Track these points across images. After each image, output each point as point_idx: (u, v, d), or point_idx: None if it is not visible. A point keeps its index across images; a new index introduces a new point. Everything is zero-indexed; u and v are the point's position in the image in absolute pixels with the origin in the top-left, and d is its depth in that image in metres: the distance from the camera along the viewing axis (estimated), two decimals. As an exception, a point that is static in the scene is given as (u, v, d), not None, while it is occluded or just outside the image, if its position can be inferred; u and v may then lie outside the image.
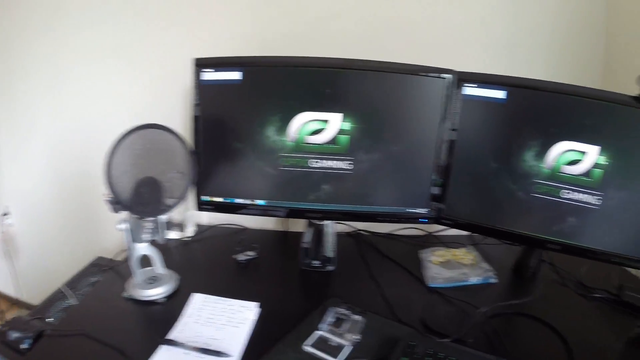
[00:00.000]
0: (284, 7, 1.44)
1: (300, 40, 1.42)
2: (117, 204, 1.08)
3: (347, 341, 0.99)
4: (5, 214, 1.99)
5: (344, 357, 0.96)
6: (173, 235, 1.44)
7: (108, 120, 1.62)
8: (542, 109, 1.18)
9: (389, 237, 1.53)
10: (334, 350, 0.97)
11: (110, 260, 1.39)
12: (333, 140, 1.19)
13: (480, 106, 1.21)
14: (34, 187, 1.90)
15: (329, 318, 1.06)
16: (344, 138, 1.19)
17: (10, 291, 2.15)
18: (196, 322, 1.09)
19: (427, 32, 1.48)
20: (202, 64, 1.18)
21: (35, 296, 2.11)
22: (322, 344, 0.99)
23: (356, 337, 1.01)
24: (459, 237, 1.51)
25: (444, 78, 1.17)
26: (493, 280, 1.32)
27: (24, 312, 2.04)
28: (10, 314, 2.11)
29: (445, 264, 1.36)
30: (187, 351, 0.98)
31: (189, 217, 1.45)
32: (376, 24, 1.45)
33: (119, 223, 1.11)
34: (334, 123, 1.18)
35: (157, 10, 1.49)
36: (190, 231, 1.46)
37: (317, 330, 1.03)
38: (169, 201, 1.12)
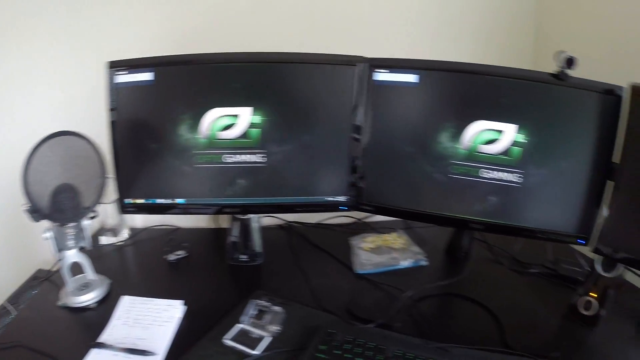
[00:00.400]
0: (195, 5, 1.44)
1: (214, 37, 1.42)
2: (36, 212, 1.09)
3: (267, 333, 0.99)
4: None
5: (262, 348, 0.96)
6: (106, 240, 1.44)
7: (30, 127, 1.59)
8: (455, 90, 1.18)
9: (320, 227, 1.55)
10: (254, 342, 0.97)
11: (49, 271, 1.39)
12: (245, 135, 1.20)
13: (393, 91, 1.21)
14: None
15: (251, 311, 1.06)
16: (255, 131, 1.19)
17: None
18: (124, 324, 1.10)
19: (351, 22, 1.49)
20: (115, 66, 1.18)
21: None
22: (242, 336, 0.99)
23: (277, 328, 1.01)
24: (393, 223, 1.50)
25: (354, 65, 1.18)
26: (424, 263, 1.33)
27: None
28: None
29: (376, 250, 1.36)
30: (115, 352, 0.99)
31: (122, 222, 1.45)
32: (297, 16, 1.47)
33: (44, 232, 1.11)
34: (244, 117, 1.18)
35: (70, 15, 1.47)
36: (123, 235, 1.47)
37: (239, 323, 1.03)
38: (86, 205, 1.13)
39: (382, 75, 1.20)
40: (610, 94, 1.05)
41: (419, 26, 1.54)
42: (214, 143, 1.20)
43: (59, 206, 1.09)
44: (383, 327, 1.01)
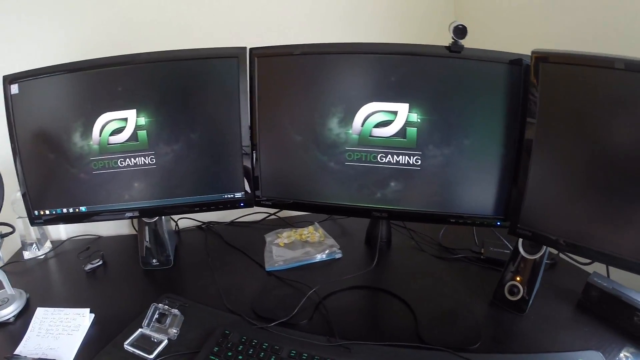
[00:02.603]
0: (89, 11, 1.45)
1: (113, 41, 1.43)
2: None
3: (167, 336, 0.99)
4: None
5: (158, 352, 0.96)
6: (28, 255, 1.46)
7: None
8: (337, 72, 1.17)
9: (236, 225, 1.54)
10: (152, 346, 0.97)
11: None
12: (133, 137, 1.19)
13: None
14: None
15: (153, 315, 1.05)
16: (141, 133, 1.18)
17: None
18: (38, 335, 1.11)
19: (258, 9, 1.50)
20: (9, 79, 1.19)
21: None
22: (142, 341, 1.00)
23: (175, 331, 1.00)
24: (312, 216, 1.49)
25: (235, 57, 1.17)
26: (338, 256, 1.30)
27: None
28: None
29: (290, 245, 1.34)
30: None
31: (44, 235, 1.47)
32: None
33: None
34: (130, 120, 1.18)
35: None
36: (45, 248, 1.48)
37: (140, 327, 1.03)
38: None
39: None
40: (515, 64, 1.00)
41: (332, 9, 1.52)
42: (106, 148, 1.20)
43: None
44: (287, 326, 0.99)
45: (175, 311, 1.05)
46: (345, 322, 1.01)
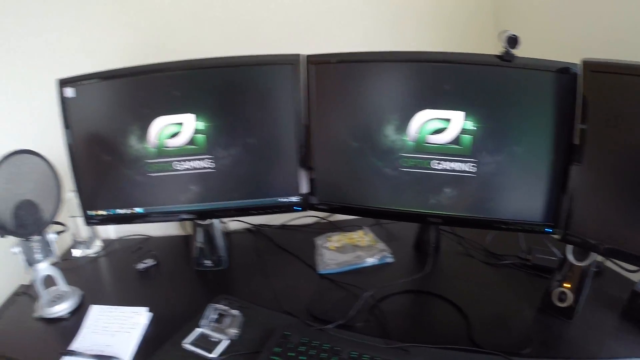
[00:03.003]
0: (135, 16, 1.46)
1: (160, 46, 1.44)
2: (0, 228, 1.14)
3: (226, 336, 1.00)
4: None
5: (220, 352, 0.97)
6: (79, 253, 1.48)
7: None
8: (396, 80, 1.17)
9: (286, 228, 1.53)
10: (212, 345, 0.98)
11: (28, 286, 1.44)
12: (191, 141, 1.20)
13: (335, 85, 1.21)
14: None
15: (210, 315, 1.06)
16: (200, 137, 1.18)
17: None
18: (94, 332, 1.13)
19: (305, 17, 1.49)
20: (65, 83, 1.20)
21: None
22: (201, 340, 1.01)
23: (235, 331, 1.01)
24: (360, 221, 1.49)
25: (293, 64, 1.17)
26: (389, 260, 1.30)
27: None
28: None
29: (341, 249, 1.34)
30: (84, 359, 1.02)
31: (94, 234, 1.49)
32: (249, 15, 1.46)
33: (11, 247, 1.16)
34: (188, 124, 1.19)
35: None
36: (96, 247, 1.50)
37: (198, 327, 1.04)
38: (45, 217, 1.17)
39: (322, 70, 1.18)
40: (564, 72, 0.99)
41: (375, 16, 1.52)
42: (163, 151, 1.21)
43: (21, 221, 1.13)
44: (344, 327, 1.00)
45: (235, 312, 1.06)
46: (400, 325, 1.02)
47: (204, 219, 1.31)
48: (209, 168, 1.22)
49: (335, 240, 1.38)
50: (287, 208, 1.27)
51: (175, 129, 1.20)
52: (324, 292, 1.15)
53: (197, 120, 1.19)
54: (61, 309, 1.21)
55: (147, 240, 1.55)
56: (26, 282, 1.62)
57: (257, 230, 1.54)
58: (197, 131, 1.20)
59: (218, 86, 1.18)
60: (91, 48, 1.46)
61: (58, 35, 1.45)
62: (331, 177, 1.25)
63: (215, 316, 1.06)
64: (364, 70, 1.15)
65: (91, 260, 1.46)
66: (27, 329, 1.18)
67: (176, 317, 1.12)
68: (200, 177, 1.23)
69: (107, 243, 1.54)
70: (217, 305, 1.09)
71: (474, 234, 1.39)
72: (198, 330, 1.04)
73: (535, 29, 1.25)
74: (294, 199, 1.26)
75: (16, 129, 1.52)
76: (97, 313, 1.18)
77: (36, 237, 1.18)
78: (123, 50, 1.45)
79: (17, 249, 1.16)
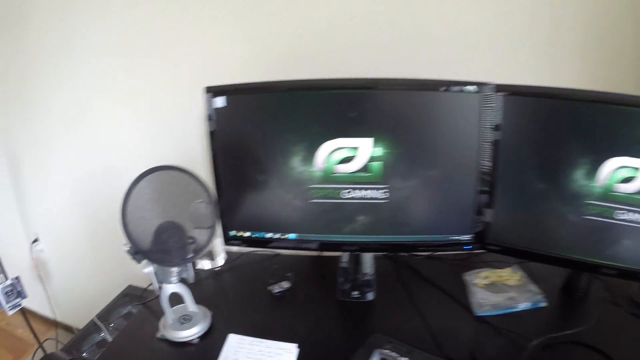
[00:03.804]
0: (289, 26, 1.37)
1: (306, 58, 1.34)
2: (137, 253, 1.01)
3: None
4: (35, 241, 1.97)
5: None
6: (203, 265, 1.37)
7: (126, 150, 1.64)
8: (587, 121, 1.05)
9: (427, 257, 1.41)
10: None
11: (141, 290, 1.34)
12: (365, 168, 1.10)
13: (522, 119, 1.09)
14: (62, 216, 1.92)
15: None
16: (376, 165, 1.09)
17: (47, 312, 2.17)
18: None
19: (456, 41, 1.35)
20: (213, 92, 1.09)
21: (69, 317, 2.17)
22: None
23: None
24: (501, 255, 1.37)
25: (479, 92, 1.04)
26: (543, 305, 1.21)
27: (60, 333, 2.05)
28: (49, 334, 2.12)
29: (491, 287, 1.26)
30: None
31: (219, 245, 1.37)
32: (392, 34, 1.33)
33: (143, 267, 1.04)
34: (364, 149, 1.09)
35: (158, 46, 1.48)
36: (220, 260, 1.39)
37: None
38: (194, 248, 1.06)
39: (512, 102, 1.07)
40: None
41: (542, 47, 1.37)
42: (330, 177, 1.11)
43: (164, 247, 1.01)
44: None
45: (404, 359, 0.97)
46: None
47: (368, 252, 1.20)
48: (381, 199, 1.12)
49: (483, 276, 1.30)
50: (458, 247, 1.18)
51: (348, 154, 1.09)
52: (484, 338, 1.08)
53: (374, 146, 1.08)
54: (190, 333, 1.11)
55: (276, 257, 1.43)
56: (135, 283, 1.53)
57: (394, 256, 1.43)
58: (373, 158, 1.09)
59: (401, 109, 1.07)
60: (245, 56, 1.35)
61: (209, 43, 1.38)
62: (508, 217, 1.16)
63: (378, 361, 0.95)
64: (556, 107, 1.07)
65: (215, 275, 1.35)
66: (148, 350, 1.10)
67: (325, 356, 1.04)
68: (371, 207, 1.14)
69: (233, 257, 1.42)
70: (383, 350, 0.99)
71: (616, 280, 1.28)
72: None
73: None
74: (466, 237, 1.16)
75: (157, 142, 1.43)
76: (235, 344, 1.08)
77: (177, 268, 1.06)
78: (280, 61, 1.32)
79: (148, 270, 1.03)
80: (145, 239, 1.02)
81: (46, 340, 1.85)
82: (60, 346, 1.61)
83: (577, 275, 1.25)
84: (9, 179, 1.97)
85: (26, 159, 1.91)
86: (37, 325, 2.08)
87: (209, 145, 1.13)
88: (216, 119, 1.11)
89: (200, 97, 1.11)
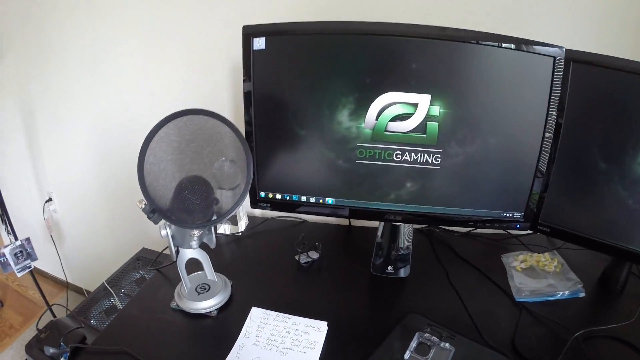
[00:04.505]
0: None
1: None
2: (154, 212, 0.71)
3: None
4: (48, 200, 1.73)
5: None
6: (223, 230, 1.07)
7: (149, 102, 1.32)
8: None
9: (463, 235, 1.16)
10: None
11: (156, 255, 1.08)
12: (420, 128, 0.84)
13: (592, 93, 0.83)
14: (76, 174, 1.62)
15: (413, 344, 0.77)
16: (432, 125, 0.83)
17: (59, 274, 1.88)
18: (255, 344, 0.78)
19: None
20: (252, 32, 0.83)
21: (81, 279, 1.90)
22: None
23: None
24: (538, 238, 1.14)
25: (552, 57, 0.79)
26: (582, 295, 0.98)
27: (72, 295, 1.83)
28: (60, 296, 1.91)
29: (529, 272, 1.02)
30: None
31: (241, 209, 1.08)
32: None
33: (161, 228, 0.75)
34: (422, 107, 0.83)
35: None
36: (242, 225, 1.10)
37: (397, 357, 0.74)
38: (220, 209, 0.80)
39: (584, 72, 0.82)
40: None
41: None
42: (382, 136, 0.85)
43: (186, 205, 0.71)
44: None
45: (446, 345, 0.78)
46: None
47: (413, 223, 0.95)
48: (433, 165, 0.87)
49: (521, 260, 1.06)
50: (509, 225, 0.93)
51: (405, 110, 0.84)
52: (525, 325, 0.87)
53: (431, 104, 0.81)
54: (208, 304, 0.86)
55: (301, 224, 1.15)
56: (149, 247, 1.23)
57: (428, 231, 1.17)
58: (429, 117, 0.83)
59: (468, 66, 0.81)
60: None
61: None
62: (563, 197, 0.91)
63: (416, 344, 0.77)
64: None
65: (236, 241, 1.07)
66: (161, 321, 0.84)
67: (357, 337, 0.81)
68: (422, 173, 0.88)
69: (255, 221, 1.13)
70: (425, 335, 0.79)
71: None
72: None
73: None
74: (518, 215, 0.90)
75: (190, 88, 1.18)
76: (259, 319, 0.84)
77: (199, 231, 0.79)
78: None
79: (165, 232, 0.80)
80: (165, 195, 0.75)
81: (53, 304, 1.63)
82: (68, 312, 1.35)
83: (619, 266, 1.01)
84: (23, 133, 1.65)
85: (41, 111, 1.59)
86: (48, 287, 1.90)
87: (244, 94, 0.87)
88: (253, 63, 0.85)
89: (236, 39, 0.85)
